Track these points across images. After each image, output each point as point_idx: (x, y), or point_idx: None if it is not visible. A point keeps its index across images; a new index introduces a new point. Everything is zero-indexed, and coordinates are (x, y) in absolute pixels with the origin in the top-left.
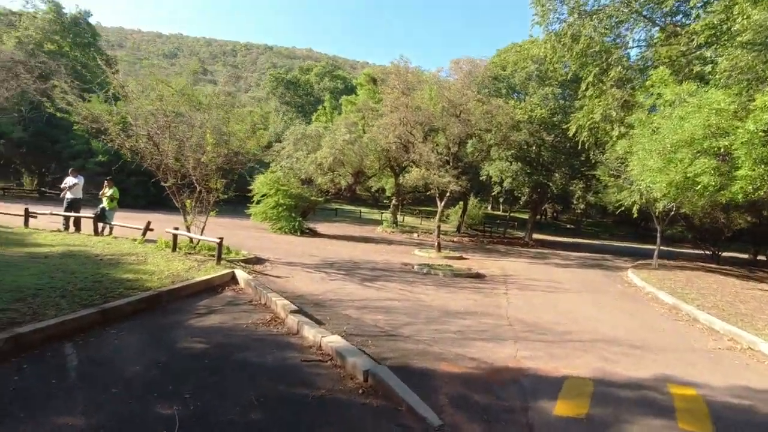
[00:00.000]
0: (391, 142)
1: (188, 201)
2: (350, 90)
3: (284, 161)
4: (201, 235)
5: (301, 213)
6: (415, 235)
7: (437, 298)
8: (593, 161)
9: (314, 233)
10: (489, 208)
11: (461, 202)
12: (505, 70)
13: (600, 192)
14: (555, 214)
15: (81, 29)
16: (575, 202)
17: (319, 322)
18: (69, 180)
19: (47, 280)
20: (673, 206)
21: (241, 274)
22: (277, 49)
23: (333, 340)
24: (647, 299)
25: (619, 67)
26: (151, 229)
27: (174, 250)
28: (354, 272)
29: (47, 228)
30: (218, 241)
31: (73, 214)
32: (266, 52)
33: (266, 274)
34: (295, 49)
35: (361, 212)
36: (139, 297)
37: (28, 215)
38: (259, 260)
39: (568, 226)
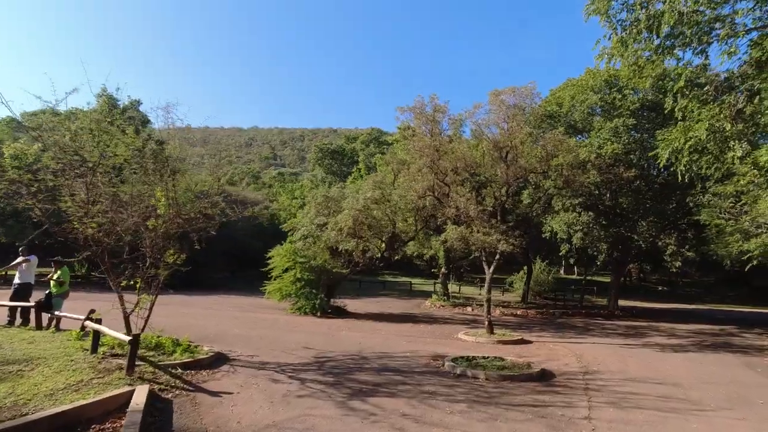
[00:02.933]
0: (421, 194)
1: (137, 280)
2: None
3: (303, 228)
4: (145, 324)
5: (326, 289)
6: (469, 308)
7: None
8: (691, 204)
9: (341, 313)
10: (561, 271)
11: (525, 267)
12: (561, 108)
13: (711, 242)
14: (641, 275)
15: (130, 118)
16: (668, 258)
17: None
18: (33, 258)
19: None
20: None
21: (140, 396)
22: (341, 131)
23: None
24: None
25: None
26: (97, 320)
27: (94, 350)
28: (347, 378)
29: None
30: (129, 339)
31: (15, 303)
32: (330, 135)
33: (201, 389)
34: (357, 130)
35: (411, 284)
36: None
37: None
38: (217, 360)
39: (660, 288)
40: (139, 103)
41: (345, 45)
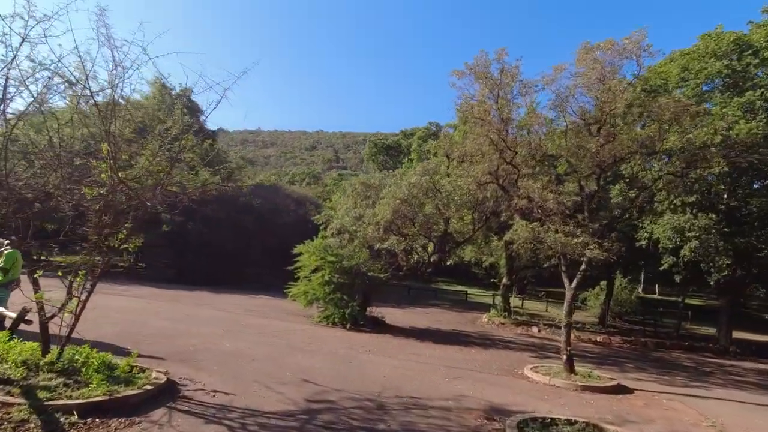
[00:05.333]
0: (481, 182)
1: (78, 276)
2: None
3: (336, 221)
4: (69, 335)
5: (362, 296)
6: (535, 329)
7: None
8: None
9: (377, 325)
10: (640, 289)
11: (603, 282)
12: (666, 83)
13: None
14: (741, 299)
15: (183, 105)
16: None
17: None
18: None
19: None
20: None
21: None
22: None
23: None
24: None
25: None
26: (29, 321)
27: None
28: None
29: None
30: None
31: None
32: (392, 138)
33: None
34: (416, 129)
35: (467, 294)
36: None
37: None
38: (157, 396)
39: None
40: (190, 91)
41: (409, 45)
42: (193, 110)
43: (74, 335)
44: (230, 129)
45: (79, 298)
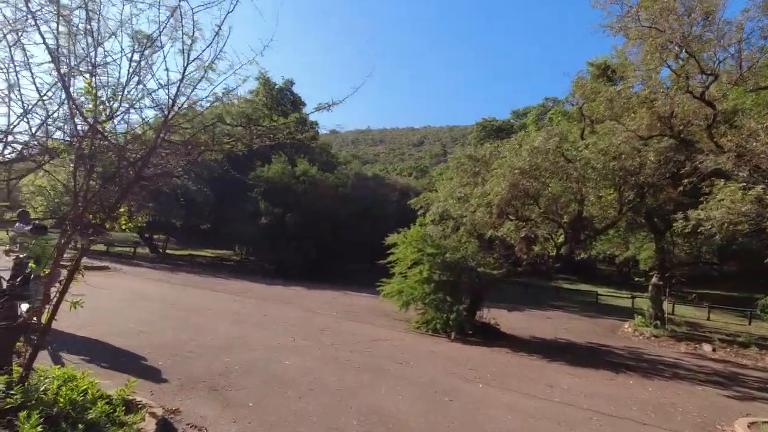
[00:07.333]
0: (641, 133)
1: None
2: None
3: (437, 204)
4: (38, 347)
5: (470, 296)
6: (707, 347)
7: None
8: None
9: (490, 334)
10: None
11: None
12: None
13: None
14: None
15: (285, 98)
16: None
17: None
18: (18, 227)
19: None
20: None
21: None
22: (515, 112)
23: None
24: None
25: None
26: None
27: None
28: None
29: None
30: None
31: None
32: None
33: None
34: (530, 108)
35: (597, 294)
36: None
37: None
38: None
39: None
40: (292, 82)
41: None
42: (296, 103)
43: (111, 343)
44: (342, 130)
45: (65, 284)
